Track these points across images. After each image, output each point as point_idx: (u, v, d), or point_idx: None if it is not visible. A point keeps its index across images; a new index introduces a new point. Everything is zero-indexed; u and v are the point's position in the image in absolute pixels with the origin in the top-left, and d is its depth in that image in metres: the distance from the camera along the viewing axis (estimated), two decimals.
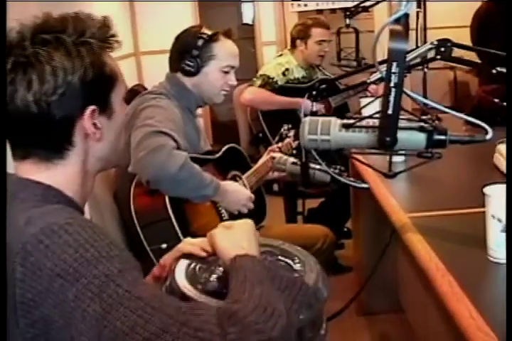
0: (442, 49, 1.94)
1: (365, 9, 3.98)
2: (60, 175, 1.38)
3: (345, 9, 3.89)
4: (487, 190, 1.57)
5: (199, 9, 7.15)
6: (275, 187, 5.04)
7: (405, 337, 3.32)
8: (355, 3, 6.24)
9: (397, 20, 1.42)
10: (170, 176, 2.29)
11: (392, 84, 1.38)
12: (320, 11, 6.92)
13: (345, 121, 1.56)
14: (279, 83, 4.43)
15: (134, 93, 6.20)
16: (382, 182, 2.36)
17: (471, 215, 1.89)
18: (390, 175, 1.63)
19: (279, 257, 1.71)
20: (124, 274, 1.16)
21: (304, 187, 3.54)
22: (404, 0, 1.43)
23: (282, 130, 3.28)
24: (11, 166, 1.41)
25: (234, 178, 2.82)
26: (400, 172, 1.64)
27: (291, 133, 3.25)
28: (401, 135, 1.49)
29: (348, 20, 3.97)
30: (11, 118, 1.34)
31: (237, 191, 2.61)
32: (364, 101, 3.35)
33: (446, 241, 1.81)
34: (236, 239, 1.48)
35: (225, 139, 6.21)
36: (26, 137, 1.37)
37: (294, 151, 3.18)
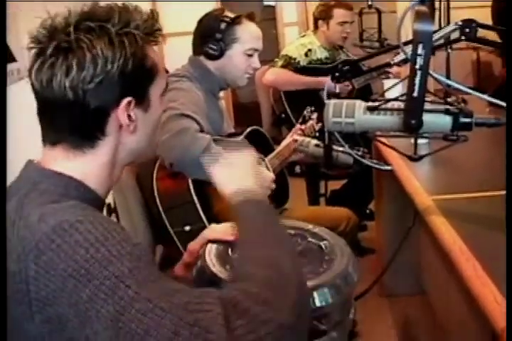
0: (467, 30, 1.91)
1: None
2: (88, 164, 1.38)
3: None
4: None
5: None
6: (297, 169, 5.04)
7: (427, 319, 3.32)
8: None
9: (421, 2, 1.40)
10: (193, 159, 2.27)
11: (417, 66, 1.37)
12: None
13: (370, 103, 1.54)
14: (301, 64, 4.42)
15: None
16: (405, 164, 2.35)
17: (496, 198, 1.88)
18: (415, 158, 1.61)
19: (310, 239, 1.72)
20: (134, 274, 1.15)
21: (326, 169, 3.54)
22: None
23: (305, 112, 3.27)
24: (34, 152, 1.42)
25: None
26: (426, 155, 1.63)
27: (315, 115, 3.24)
28: (426, 117, 1.47)
29: (370, 1, 3.94)
30: (46, 103, 1.34)
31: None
32: (387, 82, 3.35)
33: (470, 224, 1.79)
34: (237, 175, 1.54)
35: (247, 121, 6.20)
36: (60, 122, 1.36)
37: (317, 134, 3.18)
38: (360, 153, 2.49)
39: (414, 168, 2.31)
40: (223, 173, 1.55)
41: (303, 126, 3.15)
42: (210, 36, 2.71)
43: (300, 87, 4.33)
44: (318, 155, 2.76)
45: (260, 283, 1.18)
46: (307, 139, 2.86)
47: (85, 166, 1.38)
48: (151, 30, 1.39)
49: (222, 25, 2.70)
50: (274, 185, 2.61)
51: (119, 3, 1.40)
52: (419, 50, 1.36)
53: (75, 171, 1.36)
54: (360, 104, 1.55)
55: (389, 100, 1.52)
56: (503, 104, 1.49)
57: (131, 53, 1.32)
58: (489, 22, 3.96)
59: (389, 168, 2.18)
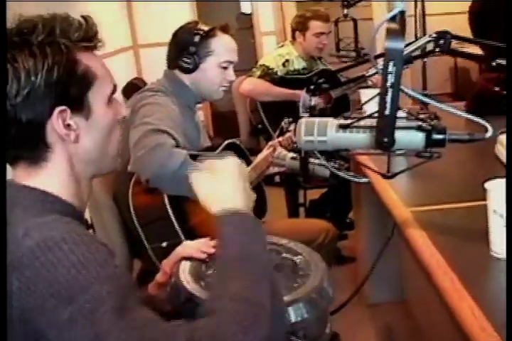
0: (441, 41, 1.91)
1: None
2: (51, 178, 1.37)
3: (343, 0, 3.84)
4: (488, 185, 1.54)
5: (196, 0, 7.10)
6: (276, 178, 5.03)
7: (409, 327, 3.32)
8: None
9: (393, 18, 1.40)
10: (169, 174, 2.27)
11: (388, 84, 1.36)
12: (318, 0, 6.87)
13: (342, 121, 1.54)
14: (279, 74, 4.42)
15: (132, 86, 6.28)
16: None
17: (474, 208, 1.87)
18: (388, 175, 1.61)
19: (284, 255, 1.71)
20: (112, 297, 1.15)
21: (304, 182, 3.54)
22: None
23: (283, 124, 3.25)
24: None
25: None
26: (399, 172, 1.62)
27: (292, 126, 3.23)
28: (399, 135, 1.46)
29: (345, 10, 3.94)
30: None
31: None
32: (363, 92, 3.35)
33: (448, 235, 1.79)
34: (218, 188, 1.47)
35: (225, 130, 6.24)
36: (8, 140, 1.35)
37: (295, 145, 3.16)
38: (336, 166, 2.48)
39: (393, 182, 2.30)
40: (206, 186, 1.50)
41: (280, 138, 3.14)
42: (185, 49, 2.70)
43: (276, 98, 4.33)
44: (295, 168, 2.75)
45: (230, 317, 1.16)
46: (284, 152, 2.84)
47: (50, 181, 1.37)
48: (83, 36, 1.37)
49: (196, 38, 2.68)
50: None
51: (46, 14, 1.37)
52: (390, 68, 1.35)
53: (45, 186, 1.35)
54: (332, 122, 1.55)
55: (361, 118, 1.51)
56: (480, 120, 1.48)
57: (54, 62, 1.30)
58: (466, 27, 3.97)
59: (366, 180, 2.17)
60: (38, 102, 1.30)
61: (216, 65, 2.74)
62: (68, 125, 1.34)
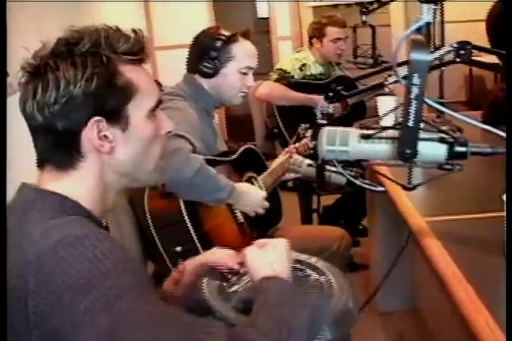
0: (462, 51, 1.90)
1: (382, 5, 3.93)
2: (76, 185, 1.38)
3: (361, 6, 3.82)
4: (506, 196, 1.53)
5: (213, 3, 7.11)
6: (290, 183, 5.01)
7: (421, 337, 3.31)
8: None
9: (418, 30, 1.39)
10: (186, 180, 2.29)
11: (413, 96, 1.36)
12: (335, 6, 6.88)
13: (365, 131, 1.53)
14: (296, 78, 4.43)
15: None
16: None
17: (490, 219, 1.86)
18: (409, 187, 1.60)
19: (309, 272, 1.71)
20: (136, 289, 1.16)
21: (319, 190, 3.53)
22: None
23: (299, 130, 3.26)
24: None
25: (250, 180, 2.80)
26: (420, 184, 1.61)
27: (309, 133, 3.23)
28: (421, 147, 1.46)
29: (364, 17, 3.92)
30: (29, 127, 1.37)
31: (252, 193, 2.60)
32: (380, 99, 3.33)
33: (464, 246, 1.78)
34: (267, 258, 1.51)
35: (240, 134, 6.23)
36: (39, 145, 1.38)
37: (311, 151, 3.16)
38: (353, 174, 2.47)
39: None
40: (257, 258, 1.53)
41: (297, 144, 3.14)
42: (206, 54, 2.70)
43: (293, 103, 4.33)
44: (311, 175, 2.74)
45: (271, 325, 1.22)
46: (300, 158, 2.84)
47: (75, 187, 1.37)
48: (130, 49, 1.39)
49: (218, 44, 2.69)
50: (266, 203, 2.61)
51: (99, 25, 1.40)
52: (415, 80, 1.34)
53: (67, 191, 1.36)
54: (354, 132, 1.54)
55: (384, 128, 1.50)
56: (500, 132, 1.48)
57: (94, 73, 1.31)
58: (483, 35, 3.95)
59: (382, 189, 2.16)
60: (75, 111, 1.32)
61: (237, 71, 2.74)
62: (105, 136, 1.36)
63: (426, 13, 1.37)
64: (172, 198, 2.37)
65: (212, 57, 2.69)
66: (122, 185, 1.47)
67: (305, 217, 4.63)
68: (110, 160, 1.39)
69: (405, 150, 1.43)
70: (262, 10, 10.03)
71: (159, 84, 6.32)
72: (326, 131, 1.55)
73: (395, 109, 1.60)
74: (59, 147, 1.36)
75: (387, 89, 4.06)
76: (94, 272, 1.15)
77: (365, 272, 4.03)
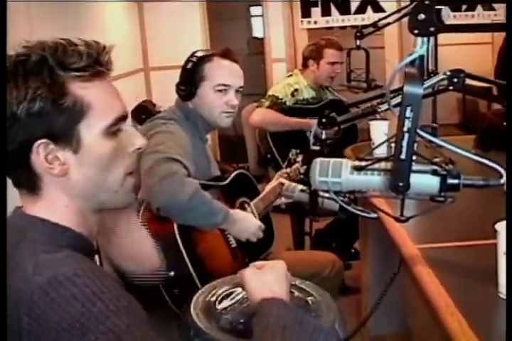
0: (455, 80, 1.90)
1: (377, 29, 3.94)
2: (51, 208, 1.35)
3: (356, 30, 3.83)
4: (499, 226, 1.52)
5: (209, 23, 7.13)
6: (282, 205, 5.02)
7: None
8: (365, 21, 6.34)
9: (411, 63, 1.40)
10: (180, 204, 2.28)
11: (405, 129, 1.36)
12: (329, 28, 6.91)
13: (357, 163, 1.53)
14: (288, 104, 4.42)
15: (142, 109, 6.28)
16: (391, 211, 2.32)
17: (483, 247, 1.84)
18: (402, 219, 1.60)
19: (297, 294, 1.70)
20: (131, 329, 1.13)
21: (312, 216, 3.52)
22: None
23: (290, 155, 3.26)
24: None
25: (242, 205, 2.80)
26: (412, 216, 1.62)
27: (300, 158, 3.24)
28: (413, 179, 1.45)
29: (358, 42, 3.93)
30: None
31: (247, 219, 2.60)
32: (373, 124, 3.34)
33: (455, 274, 1.76)
34: (266, 280, 1.49)
35: (232, 155, 6.22)
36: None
37: (302, 176, 3.17)
38: (345, 200, 2.47)
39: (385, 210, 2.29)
40: (255, 280, 1.51)
41: (288, 170, 3.15)
42: (181, 77, 2.74)
43: (286, 128, 4.33)
44: (304, 200, 2.74)
45: None
46: (293, 184, 2.84)
47: (51, 210, 1.35)
48: (81, 65, 1.31)
49: (189, 65, 2.71)
50: (261, 233, 2.61)
51: (53, 39, 1.34)
52: (408, 113, 1.35)
53: (47, 214, 1.34)
54: (346, 164, 1.54)
55: (376, 160, 1.50)
56: (495, 166, 1.47)
57: (37, 93, 1.26)
58: (476, 58, 3.98)
59: (375, 215, 2.16)
60: (21, 133, 1.28)
61: (211, 89, 2.73)
62: (57, 157, 1.31)
63: (419, 46, 1.36)
64: (166, 222, 2.36)
65: (185, 79, 2.72)
66: (91, 207, 1.41)
67: (297, 239, 4.62)
68: (68, 182, 1.35)
69: (398, 182, 1.43)
70: (257, 29, 10.10)
71: (153, 105, 6.36)
72: (319, 162, 1.55)
73: (388, 140, 1.58)
74: (16, 169, 1.33)
75: (378, 116, 4.08)
76: (87, 315, 1.12)
77: (357, 296, 4.00)
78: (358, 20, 6.52)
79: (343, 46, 4.62)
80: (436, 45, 3.85)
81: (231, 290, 1.68)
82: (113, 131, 1.37)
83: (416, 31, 1.39)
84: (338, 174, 1.53)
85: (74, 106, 1.30)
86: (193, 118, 2.76)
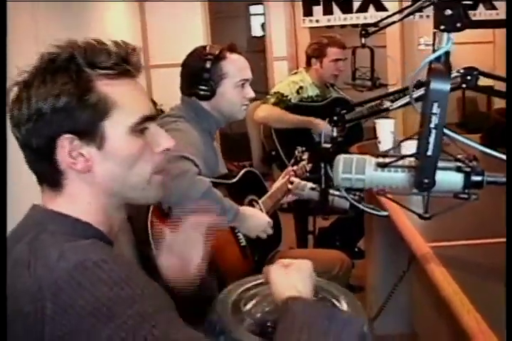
0: (468, 77, 1.89)
1: (382, 28, 3.93)
2: (72, 204, 1.36)
3: (361, 29, 3.81)
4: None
5: (210, 22, 7.11)
6: (285, 204, 5.00)
7: None
8: (367, 19, 6.32)
9: (437, 58, 1.38)
10: (192, 203, 2.26)
11: (432, 125, 1.34)
12: (330, 27, 6.89)
13: (380, 159, 1.52)
14: (293, 101, 4.42)
15: None
16: (401, 208, 2.31)
17: (497, 245, 1.83)
18: (426, 216, 1.58)
19: (323, 295, 1.68)
20: (159, 315, 1.14)
21: (322, 214, 3.51)
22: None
23: (296, 152, 3.25)
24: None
25: (251, 203, 2.79)
26: (437, 214, 1.60)
27: (305, 155, 3.23)
28: (437, 175, 1.44)
29: (363, 40, 3.92)
30: None
31: (256, 217, 2.59)
32: (379, 122, 3.33)
33: (470, 272, 1.74)
34: (291, 279, 1.47)
35: (235, 153, 6.20)
36: (27, 163, 1.37)
37: (308, 174, 3.16)
38: (356, 198, 2.46)
39: (410, 212, 2.28)
40: (280, 277, 1.49)
41: (294, 167, 3.13)
42: (198, 77, 2.70)
43: (290, 125, 4.32)
44: (314, 198, 2.72)
45: None
46: (303, 182, 2.82)
47: (73, 206, 1.35)
48: (109, 63, 1.34)
49: (208, 64, 2.67)
50: (270, 230, 2.59)
51: (84, 39, 1.36)
52: (435, 109, 1.33)
53: (68, 210, 1.34)
54: (370, 160, 1.53)
55: (401, 157, 1.49)
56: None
57: (63, 89, 1.28)
58: (486, 58, 3.96)
59: (386, 213, 2.15)
60: (46, 128, 1.30)
61: (232, 86, 2.73)
62: (81, 154, 1.32)
63: (445, 42, 1.35)
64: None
65: (206, 78, 2.68)
66: (115, 204, 1.42)
67: (300, 238, 4.62)
68: (91, 178, 1.36)
69: (423, 179, 1.42)
70: (256, 29, 10.09)
71: (154, 103, 6.32)
72: (342, 159, 1.53)
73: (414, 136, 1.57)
74: (39, 165, 1.35)
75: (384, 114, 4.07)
76: (115, 299, 1.12)
77: (361, 294, 3.99)
78: (360, 18, 6.48)
79: (345, 43, 4.62)
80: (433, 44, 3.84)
81: (257, 290, 1.66)
82: (139, 129, 1.38)
83: (442, 27, 1.37)
84: (362, 171, 1.52)
85: (99, 102, 1.32)
86: (203, 115, 2.75)
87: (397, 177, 1.51)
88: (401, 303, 3.32)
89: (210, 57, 2.68)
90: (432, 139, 1.35)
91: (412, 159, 1.49)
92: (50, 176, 1.35)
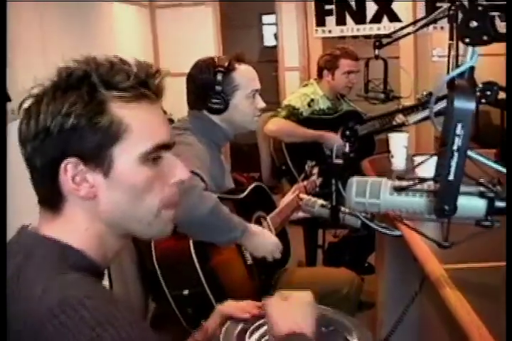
0: (488, 92, 1.79)
1: (396, 39, 3.85)
2: (68, 229, 1.27)
3: (375, 40, 3.73)
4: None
5: (221, 31, 7.05)
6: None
7: None
8: (381, 30, 6.24)
9: (461, 75, 1.28)
10: (199, 219, 2.20)
11: (455, 148, 1.24)
12: (342, 37, 6.83)
13: (397, 183, 1.41)
14: (304, 114, 4.35)
15: None
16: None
17: None
18: (446, 245, 1.48)
19: (332, 328, 1.63)
20: None
21: (333, 228, 3.44)
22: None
23: (306, 167, 3.18)
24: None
25: (258, 220, 2.71)
26: (457, 243, 1.51)
27: (316, 170, 3.16)
28: (458, 201, 1.34)
29: (377, 51, 3.84)
30: None
31: (265, 236, 2.51)
32: (392, 136, 3.25)
33: (487, 298, 1.66)
34: (291, 312, 1.42)
35: (244, 164, 6.13)
36: (31, 180, 1.29)
37: (317, 189, 3.10)
38: (368, 216, 2.38)
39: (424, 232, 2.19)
40: (280, 311, 1.44)
41: (305, 182, 3.06)
42: (211, 90, 2.62)
43: (301, 139, 4.24)
44: (325, 215, 2.64)
45: None
46: (312, 199, 2.74)
47: (68, 231, 1.27)
48: (126, 84, 1.25)
49: (219, 77, 2.60)
50: (279, 255, 2.52)
51: (104, 56, 1.28)
52: (458, 130, 1.23)
53: (61, 234, 1.26)
54: (386, 183, 1.42)
55: (419, 180, 1.39)
56: None
57: (73, 109, 1.20)
58: (488, 69, 3.86)
59: (399, 233, 2.07)
60: (51, 149, 1.22)
61: (245, 98, 2.68)
62: (85, 179, 1.25)
63: (470, 57, 1.25)
64: (181, 237, 2.26)
65: (219, 91, 2.61)
66: (115, 232, 1.33)
67: (310, 252, 4.55)
68: (94, 205, 1.27)
69: (444, 206, 1.32)
70: (269, 38, 10.05)
71: (164, 112, 6.27)
72: (355, 182, 1.43)
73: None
74: (42, 185, 1.28)
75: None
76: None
77: (371, 311, 3.91)
78: (373, 29, 6.40)
79: (357, 55, 4.56)
80: (457, 55, 3.75)
81: (260, 323, 1.60)
82: (152, 158, 1.29)
83: (467, 40, 1.27)
84: (376, 195, 1.41)
85: (110, 126, 1.24)
86: (212, 128, 2.68)
87: (415, 202, 1.40)
88: (410, 322, 3.24)
89: (221, 69, 2.61)
90: (454, 162, 1.25)
91: (431, 182, 1.39)
92: (50, 197, 1.28)
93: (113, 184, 1.26)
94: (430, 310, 2.88)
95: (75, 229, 1.27)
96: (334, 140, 4.01)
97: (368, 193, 1.41)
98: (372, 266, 4.20)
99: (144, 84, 1.28)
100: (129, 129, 1.25)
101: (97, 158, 1.24)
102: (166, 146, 1.32)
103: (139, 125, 1.26)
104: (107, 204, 1.27)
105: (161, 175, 1.31)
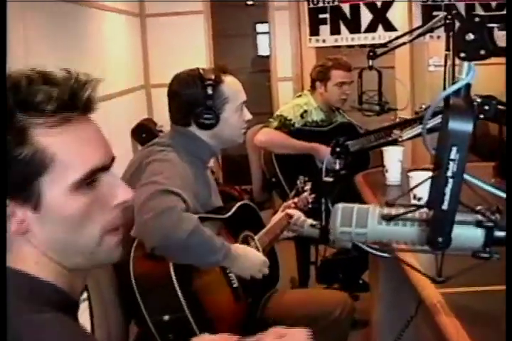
0: (486, 107, 1.67)
1: (390, 49, 3.75)
2: (25, 263, 1.16)
3: (369, 50, 3.63)
4: None
5: (213, 40, 6.95)
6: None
7: None
8: (376, 40, 6.15)
9: (456, 92, 1.16)
10: (178, 242, 2.09)
11: (449, 174, 1.11)
12: (337, 46, 6.73)
13: (386, 210, 1.29)
14: (296, 125, 4.25)
15: (142, 128, 6.12)
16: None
17: None
18: (440, 280, 1.37)
19: None
20: None
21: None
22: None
23: (298, 183, 3.08)
24: None
25: (246, 240, 2.60)
26: (452, 277, 1.40)
27: (308, 186, 3.05)
28: (454, 230, 1.22)
29: (371, 62, 3.74)
30: None
31: (250, 255, 2.40)
32: (387, 149, 3.17)
33: (485, 325, 1.59)
34: None
35: (235, 176, 6.04)
36: None
37: (310, 206, 2.99)
38: None
39: (419, 255, 2.08)
40: None
41: (296, 199, 2.94)
42: (201, 105, 2.50)
43: (292, 151, 4.14)
44: (314, 235, 2.54)
45: None
46: (302, 218, 2.64)
47: (27, 264, 1.16)
48: (46, 107, 1.11)
49: (209, 90, 2.48)
50: (266, 270, 2.40)
51: (23, 70, 1.13)
52: (453, 155, 1.10)
53: (27, 269, 1.16)
54: (373, 211, 1.30)
55: (410, 209, 1.26)
56: None
57: None
58: (498, 80, 3.76)
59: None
60: None
61: (234, 111, 2.58)
62: (14, 213, 1.12)
63: (466, 73, 1.12)
64: (160, 260, 2.16)
65: (210, 106, 2.49)
66: (66, 267, 1.21)
67: (302, 269, 4.46)
68: (33, 238, 1.16)
69: (437, 237, 1.20)
70: (263, 48, 9.99)
71: (154, 123, 6.18)
72: (341, 209, 1.31)
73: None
74: None
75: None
76: None
77: (365, 329, 3.81)
78: (368, 38, 6.32)
79: (351, 65, 4.48)
80: (453, 65, 3.64)
81: None
82: (86, 183, 1.16)
83: (463, 55, 1.15)
84: (363, 224, 1.29)
85: (33, 157, 1.10)
86: (199, 144, 2.57)
87: (406, 232, 1.28)
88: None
89: (210, 82, 2.50)
90: (448, 190, 1.12)
91: (425, 209, 1.27)
92: None
93: (45, 218, 1.14)
94: (426, 333, 2.79)
95: (28, 263, 1.16)
96: (325, 153, 3.90)
97: (354, 222, 1.29)
98: (367, 284, 4.11)
99: (68, 107, 1.14)
100: (56, 158, 1.12)
101: (24, 191, 1.11)
102: (103, 168, 1.20)
103: (66, 153, 1.13)
104: (44, 238, 1.16)
105: (99, 198, 1.19)
